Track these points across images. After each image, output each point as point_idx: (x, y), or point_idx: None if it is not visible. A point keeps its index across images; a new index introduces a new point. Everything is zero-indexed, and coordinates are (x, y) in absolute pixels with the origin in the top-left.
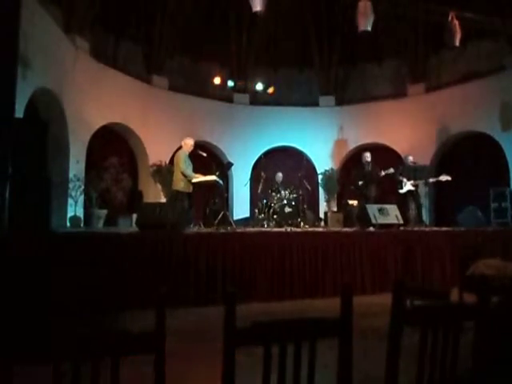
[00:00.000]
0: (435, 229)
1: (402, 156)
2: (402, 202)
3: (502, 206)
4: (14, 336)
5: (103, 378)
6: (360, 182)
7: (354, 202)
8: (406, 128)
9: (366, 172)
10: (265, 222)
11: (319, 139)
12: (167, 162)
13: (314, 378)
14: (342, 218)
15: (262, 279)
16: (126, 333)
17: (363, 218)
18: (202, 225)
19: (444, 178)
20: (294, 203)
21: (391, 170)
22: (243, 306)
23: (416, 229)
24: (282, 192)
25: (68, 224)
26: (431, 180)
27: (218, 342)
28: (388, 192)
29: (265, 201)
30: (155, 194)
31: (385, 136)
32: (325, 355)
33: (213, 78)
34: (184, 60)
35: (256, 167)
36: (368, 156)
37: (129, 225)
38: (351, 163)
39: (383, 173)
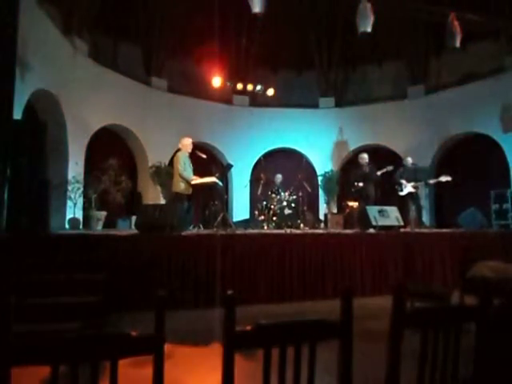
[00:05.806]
0: (436, 230)
1: (402, 157)
2: (402, 203)
3: (502, 207)
4: (13, 336)
5: (102, 380)
6: (360, 184)
7: (354, 204)
8: (406, 129)
9: (365, 173)
10: (264, 224)
11: (319, 141)
12: (166, 164)
13: (314, 380)
14: (342, 219)
15: (261, 281)
16: (125, 335)
17: (363, 219)
18: (201, 226)
19: (444, 178)
20: (293, 205)
21: (390, 168)
22: (243, 308)
23: (416, 230)
24: (282, 194)
25: (67, 226)
26: (431, 181)
27: (218, 345)
28: (388, 193)
29: (264, 202)
30: (154, 196)
31: (385, 137)
32: (325, 357)
33: (212, 79)
34: (183, 62)
35: (256, 169)
36: (365, 157)
37: (128, 227)
38: (351, 165)
39: (380, 172)
